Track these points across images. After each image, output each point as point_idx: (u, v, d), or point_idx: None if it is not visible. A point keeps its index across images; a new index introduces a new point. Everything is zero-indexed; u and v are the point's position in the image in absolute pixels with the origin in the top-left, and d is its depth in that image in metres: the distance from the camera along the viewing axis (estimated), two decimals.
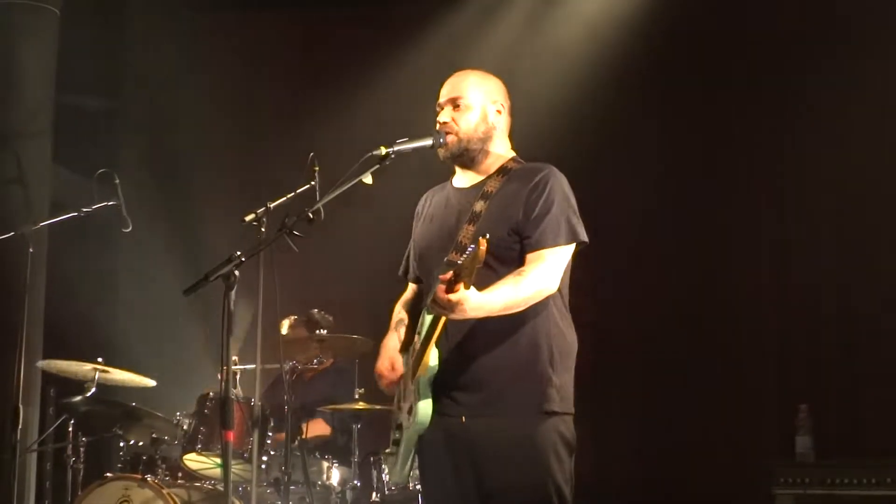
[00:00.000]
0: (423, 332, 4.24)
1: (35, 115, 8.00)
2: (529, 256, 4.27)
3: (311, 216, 4.23)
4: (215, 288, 4.15)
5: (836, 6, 7.84)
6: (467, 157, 4.45)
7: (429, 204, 4.64)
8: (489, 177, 4.45)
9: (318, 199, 4.31)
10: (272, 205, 4.37)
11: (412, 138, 4.40)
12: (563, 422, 4.29)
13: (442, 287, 3.99)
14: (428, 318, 4.23)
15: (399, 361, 4.46)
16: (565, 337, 4.36)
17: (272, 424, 6.67)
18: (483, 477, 4.25)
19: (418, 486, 6.23)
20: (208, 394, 6.69)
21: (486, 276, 4.07)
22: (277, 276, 4.50)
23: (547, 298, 4.27)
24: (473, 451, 4.26)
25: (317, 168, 4.52)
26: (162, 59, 9.23)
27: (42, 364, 7.13)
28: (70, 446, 6.77)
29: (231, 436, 4.18)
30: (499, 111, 4.52)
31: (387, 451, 5.69)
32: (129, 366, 6.96)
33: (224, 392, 4.15)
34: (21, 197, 7.72)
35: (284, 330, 7.46)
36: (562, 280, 4.34)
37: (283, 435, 6.50)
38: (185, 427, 6.61)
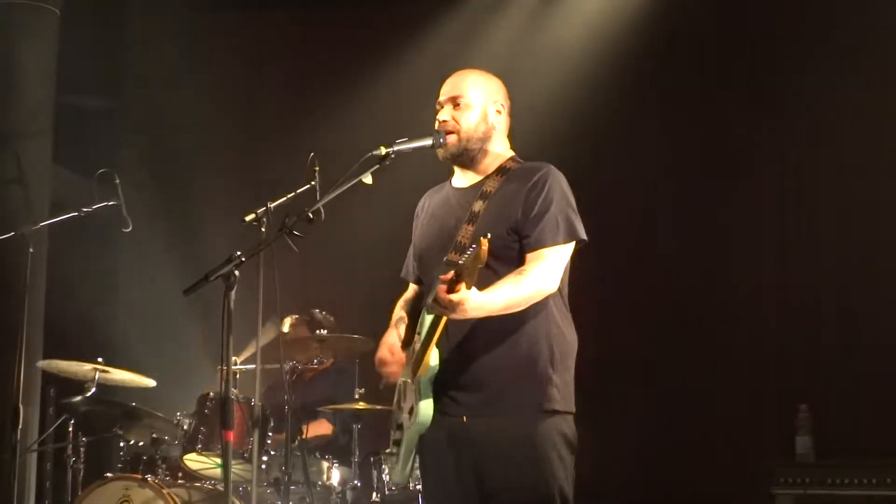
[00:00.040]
0: (424, 332, 4.24)
1: (35, 115, 8.00)
2: (529, 256, 4.27)
3: (312, 216, 4.23)
4: (216, 288, 4.15)
5: (836, 6, 7.84)
6: (467, 156, 4.45)
7: (428, 204, 4.64)
8: (488, 176, 4.45)
9: (318, 199, 4.32)
10: (272, 205, 4.37)
11: (412, 138, 4.40)
12: (565, 421, 4.30)
13: (443, 287, 3.99)
14: (428, 318, 4.23)
15: (398, 349, 4.46)
16: (565, 336, 4.36)
17: (272, 424, 6.67)
18: (484, 477, 4.25)
19: (419, 486, 6.23)
20: (208, 394, 6.69)
21: (486, 275, 4.07)
22: (278, 276, 4.51)
23: (547, 297, 4.27)
24: (474, 450, 4.26)
25: (317, 168, 4.52)
26: (162, 59, 9.22)
27: (42, 364, 7.13)
28: (70, 446, 6.77)
29: (231, 436, 4.17)
30: (499, 111, 4.52)
31: (387, 451, 5.70)
32: (130, 366, 6.96)
33: (224, 392, 4.15)
34: (21, 197, 7.72)
35: (286, 329, 7.45)
36: (562, 279, 4.34)
37: (283, 435, 6.50)
38: (185, 427, 6.60)
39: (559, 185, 4.37)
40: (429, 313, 4.23)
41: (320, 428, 7.39)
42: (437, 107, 4.51)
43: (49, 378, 7.56)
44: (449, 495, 4.36)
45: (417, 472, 4.63)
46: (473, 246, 3.89)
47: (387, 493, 6.66)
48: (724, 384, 7.93)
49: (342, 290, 8.55)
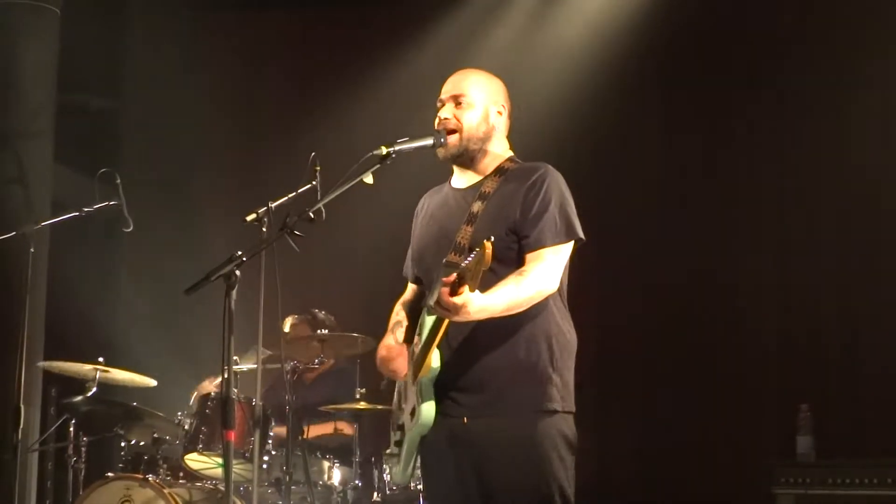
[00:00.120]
0: (425, 334, 4.24)
1: (36, 115, 7.99)
2: (529, 256, 4.26)
3: (312, 216, 4.23)
4: (217, 288, 4.15)
5: (836, 6, 7.85)
6: (467, 156, 4.45)
7: (428, 204, 4.63)
8: (487, 177, 4.44)
9: (319, 198, 4.32)
10: (273, 204, 4.37)
11: (413, 138, 4.39)
12: (565, 421, 4.29)
13: (445, 290, 3.98)
14: (429, 320, 4.22)
15: (398, 347, 4.46)
16: (565, 335, 4.36)
17: (273, 424, 6.68)
18: (485, 477, 4.25)
19: (420, 486, 6.24)
20: (209, 393, 6.70)
21: (485, 276, 4.05)
22: (279, 276, 4.51)
23: (547, 297, 4.27)
24: (475, 451, 4.25)
25: (318, 168, 4.52)
26: (162, 59, 9.22)
27: (43, 364, 7.13)
28: (71, 446, 6.77)
29: (232, 435, 4.17)
30: (499, 112, 4.52)
31: (387, 451, 5.70)
32: (131, 365, 6.97)
33: (225, 392, 4.15)
34: (22, 197, 7.72)
35: (286, 328, 7.45)
36: (561, 279, 4.34)
37: (284, 430, 6.50)
38: (186, 427, 6.61)
39: (557, 184, 4.37)
40: (430, 315, 4.23)
41: (340, 427, 7.32)
42: (438, 104, 4.51)
43: (50, 378, 7.56)
44: (450, 496, 4.36)
45: (418, 472, 4.64)
46: (477, 249, 3.89)
47: (388, 492, 6.67)
48: (724, 384, 7.93)
49: (342, 289, 8.55)
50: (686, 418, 7.91)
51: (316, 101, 8.88)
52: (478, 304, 4.03)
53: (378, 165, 4.28)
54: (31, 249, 6.66)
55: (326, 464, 6.85)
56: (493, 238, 3.90)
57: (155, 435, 6.75)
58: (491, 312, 4.10)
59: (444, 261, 4.29)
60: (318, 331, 7.21)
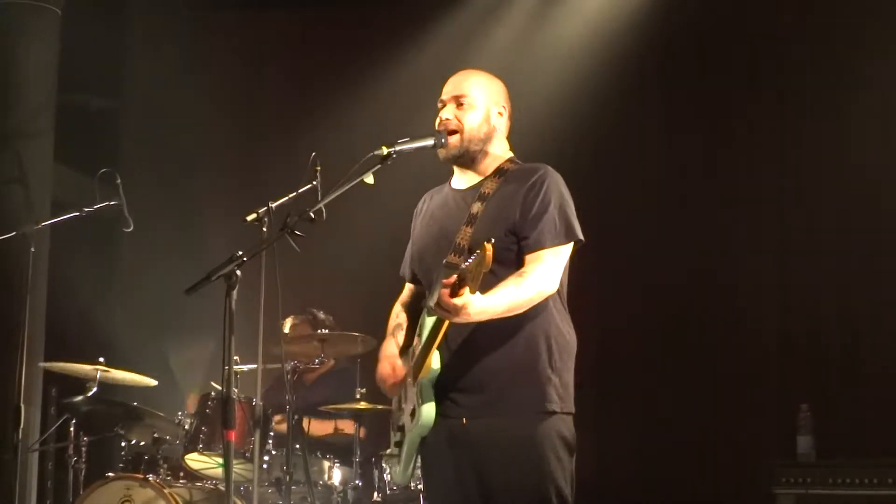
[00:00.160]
0: (425, 335, 4.24)
1: (36, 115, 7.99)
2: (528, 257, 4.27)
3: (313, 216, 4.23)
4: (218, 287, 4.15)
5: (836, 6, 7.85)
6: (467, 157, 4.45)
7: (428, 205, 4.63)
8: (486, 178, 4.45)
9: (319, 198, 4.32)
10: (274, 204, 4.36)
11: (414, 138, 4.39)
12: (564, 422, 4.29)
13: (446, 291, 3.99)
14: (429, 321, 4.23)
15: (399, 364, 4.46)
16: (565, 336, 4.36)
17: (273, 418, 6.68)
18: (484, 478, 4.25)
19: (420, 486, 6.24)
20: (209, 393, 6.70)
21: (485, 277, 4.04)
22: (279, 276, 4.51)
23: (546, 298, 4.27)
24: (474, 452, 4.26)
25: (318, 168, 4.51)
26: (162, 59, 9.22)
27: (44, 364, 7.12)
28: (72, 446, 6.76)
29: (233, 435, 4.17)
30: (500, 113, 4.52)
31: (387, 452, 5.70)
32: (131, 365, 6.97)
33: (226, 392, 4.15)
34: (22, 197, 7.71)
35: (286, 329, 7.45)
36: (561, 280, 4.34)
37: (284, 424, 6.50)
38: (186, 427, 6.61)
39: (557, 186, 4.37)
40: (430, 316, 4.23)
41: (341, 427, 7.31)
42: (439, 104, 4.51)
43: (50, 378, 7.55)
44: (449, 496, 4.36)
45: (419, 471, 4.64)
46: (477, 251, 3.89)
47: (388, 492, 6.66)
48: (724, 384, 7.93)
49: (343, 289, 8.55)
50: (686, 418, 7.91)
51: (316, 101, 8.88)
52: (478, 306, 4.03)
53: (379, 166, 4.27)
54: (32, 249, 6.66)
55: (327, 464, 6.85)
56: (493, 240, 3.90)
57: (155, 435, 6.75)
58: (491, 314, 4.11)
59: (444, 262, 4.29)
60: (319, 330, 7.21)
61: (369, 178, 4.28)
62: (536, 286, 4.21)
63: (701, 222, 8.08)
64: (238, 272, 4.09)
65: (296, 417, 6.61)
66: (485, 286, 4.07)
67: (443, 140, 4.41)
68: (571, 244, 4.34)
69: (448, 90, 4.50)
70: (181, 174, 9.27)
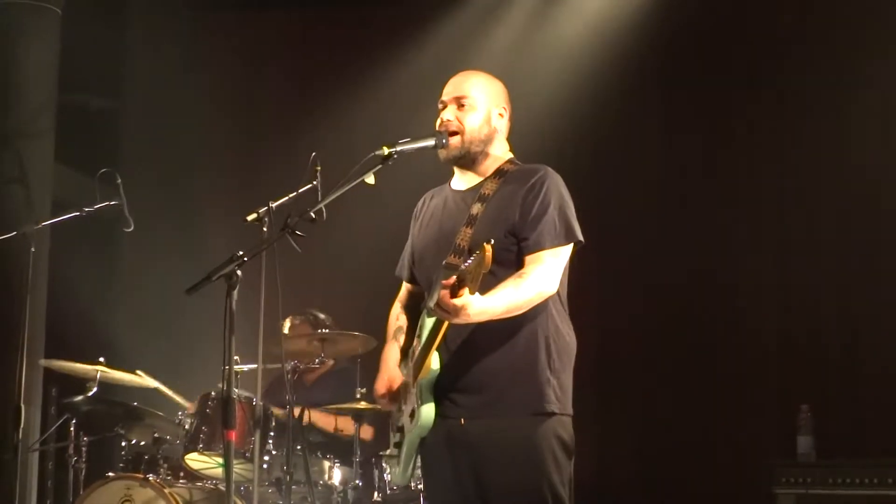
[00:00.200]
0: (425, 336, 4.25)
1: (37, 115, 7.99)
2: (528, 258, 4.27)
3: (314, 216, 4.23)
4: (218, 287, 4.15)
5: (836, 6, 7.85)
6: (468, 158, 4.45)
7: (427, 205, 4.64)
8: (486, 179, 4.45)
9: (319, 198, 4.32)
10: (274, 204, 4.37)
11: (415, 138, 4.39)
12: (561, 423, 4.30)
13: (446, 292, 3.99)
14: (429, 322, 4.23)
15: (396, 380, 4.46)
16: (564, 338, 4.37)
17: (273, 424, 6.68)
18: (482, 479, 4.26)
19: (420, 486, 6.24)
20: (210, 393, 6.69)
21: (484, 278, 4.05)
22: (279, 276, 4.51)
23: (546, 300, 4.27)
24: (473, 452, 4.26)
25: (318, 167, 4.51)
26: (162, 59, 9.22)
27: (44, 362, 7.12)
28: (72, 446, 6.77)
29: (233, 435, 4.17)
30: (501, 115, 4.52)
31: (386, 452, 5.70)
32: (132, 365, 6.97)
33: (226, 391, 4.16)
34: (23, 197, 7.72)
35: (286, 330, 7.45)
36: (561, 281, 4.34)
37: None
38: (186, 427, 6.60)
39: (556, 187, 4.37)
40: (429, 317, 4.23)
41: (341, 426, 7.31)
42: (440, 106, 4.51)
43: (50, 377, 7.56)
44: (448, 497, 4.37)
45: (419, 471, 4.64)
46: (477, 252, 3.89)
47: (388, 492, 6.66)
48: (724, 384, 7.93)
49: (343, 289, 8.55)
50: (686, 418, 7.91)
51: (316, 101, 8.88)
52: (477, 307, 4.03)
53: (380, 166, 4.27)
54: (32, 249, 6.66)
55: (327, 463, 6.85)
56: (492, 241, 3.90)
57: (155, 435, 6.75)
58: (490, 314, 4.11)
59: (443, 263, 4.29)
60: (319, 330, 7.21)
61: (370, 179, 4.28)
62: (536, 287, 4.21)
63: (701, 222, 8.08)
64: (239, 272, 4.09)
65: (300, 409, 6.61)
66: (484, 287, 4.08)
67: (444, 140, 4.41)
68: (571, 245, 4.35)
69: (448, 91, 4.50)
70: (181, 174, 9.26)
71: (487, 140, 4.46)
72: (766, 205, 8.07)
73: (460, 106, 4.45)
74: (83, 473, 6.77)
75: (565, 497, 4.26)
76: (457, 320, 4.04)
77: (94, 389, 6.65)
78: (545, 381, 4.26)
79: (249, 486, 6.59)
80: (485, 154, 4.46)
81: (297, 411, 6.70)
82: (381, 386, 4.48)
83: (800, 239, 7.91)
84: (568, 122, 8.16)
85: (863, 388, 7.60)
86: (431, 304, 4.12)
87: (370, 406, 6.69)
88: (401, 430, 4.46)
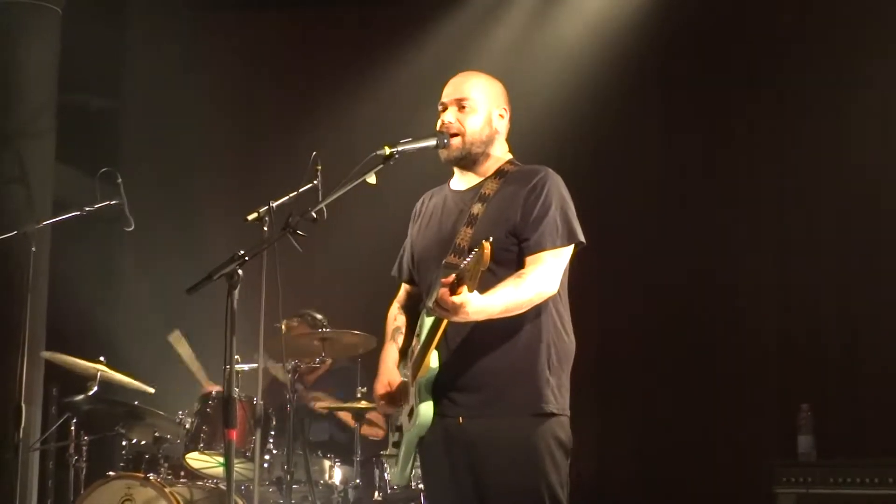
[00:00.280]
0: (424, 335, 4.25)
1: (37, 115, 7.99)
2: (529, 259, 4.27)
3: (315, 216, 4.23)
4: (219, 287, 4.15)
5: (836, 6, 7.86)
6: (469, 159, 4.45)
7: (426, 206, 4.63)
8: (487, 179, 4.45)
9: (320, 198, 4.32)
10: (275, 203, 4.36)
11: (416, 138, 4.39)
12: (559, 423, 4.29)
13: (445, 290, 3.99)
14: (428, 321, 4.23)
15: (396, 381, 4.46)
16: (563, 339, 4.36)
17: (274, 424, 6.68)
18: (480, 478, 4.26)
19: (421, 486, 6.25)
20: (211, 392, 6.70)
21: (485, 278, 4.04)
22: (280, 275, 4.51)
23: (547, 300, 4.28)
24: (471, 451, 4.26)
25: (319, 167, 4.51)
26: (162, 59, 9.22)
27: (46, 355, 7.12)
28: (72, 445, 6.77)
29: (234, 434, 4.17)
30: (501, 116, 4.52)
31: (385, 452, 5.70)
32: (132, 364, 6.97)
33: (227, 391, 4.16)
34: (23, 196, 7.72)
35: (284, 331, 7.44)
36: (561, 282, 4.34)
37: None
38: (187, 426, 6.61)
39: (557, 188, 4.37)
40: (429, 316, 4.23)
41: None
42: (440, 107, 4.50)
43: (51, 377, 7.57)
44: (446, 495, 4.38)
45: (418, 470, 4.63)
46: (476, 250, 3.89)
47: (388, 492, 6.67)
48: (724, 384, 7.93)
49: (343, 289, 8.55)
50: (686, 418, 7.91)
51: (316, 101, 8.88)
52: (476, 305, 4.03)
53: (381, 166, 4.27)
54: (33, 249, 6.66)
55: (327, 463, 6.85)
56: (491, 238, 3.90)
57: (156, 434, 6.76)
58: (489, 313, 4.10)
59: (443, 262, 4.29)
60: (320, 329, 7.21)
61: (371, 178, 4.27)
62: (536, 287, 4.21)
63: (701, 222, 8.08)
64: (240, 271, 4.08)
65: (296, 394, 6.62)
66: (485, 287, 4.08)
67: (445, 140, 4.41)
68: (572, 246, 4.35)
69: (449, 93, 4.49)
70: (181, 174, 9.27)
71: (488, 141, 4.46)
72: (766, 205, 8.07)
73: (461, 108, 4.44)
74: (84, 473, 6.77)
75: (563, 497, 4.26)
76: (456, 318, 4.04)
77: (95, 389, 6.65)
78: (544, 381, 4.26)
79: (250, 485, 6.60)
80: (486, 155, 4.46)
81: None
82: (380, 388, 4.48)
83: (800, 239, 7.92)
84: (568, 122, 8.16)
85: (863, 388, 7.60)
86: (430, 302, 4.12)
87: (371, 405, 6.69)
88: (399, 429, 4.46)
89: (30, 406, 6.98)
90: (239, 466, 6.43)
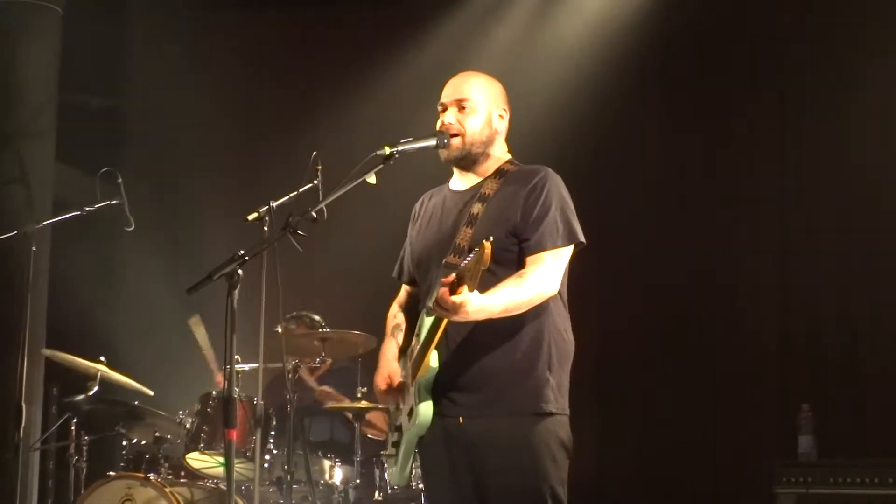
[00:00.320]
0: (423, 335, 4.24)
1: (38, 115, 7.99)
2: (529, 259, 4.27)
3: (315, 216, 4.23)
4: (219, 287, 4.15)
5: (836, 6, 7.86)
6: (469, 159, 4.45)
7: (426, 206, 4.63)
8: (486, 179, 4.45)
9: (320, 198, 4.32)
10: (275, 203, 4.36)
11: (416, 138, 4.39)
12: (560, 423, 4.30)
13: (445, 290, 3.98)
14: (427, 321, 4.23)
15: (396, 374, 4.46)
16: (563, 339, 4.37)
17: (274, 424, 6.68)
18: (480, 478, 4.26)
19: (421, 486, 6.25)
20: (211, 392, 6.70)
21: (485, 278, 4.04)
22: (280, 275, 4.52)
23: (547, 300, 4.28)
24: (471, 451, 4.26)
25: (319, 167, 4.51)
26: (163, 59, 9.22)
27: (47, 353, 7.12)
28: (73, 445, 6.78)
29: (234, 434, 4.17)
30: (501, 116, 4.51)
31: (385, 452, 5.70)
32: (132, 364, 6.97)
33: (227, 391, 4.16)
34: (24, 196, 7.72)
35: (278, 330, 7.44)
36: (561, 282, 4.35)
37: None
38: (187, 426, 6.61)
39: (557, 188, 4.37)
40: (428, 315, 4.23)
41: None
42: (440, 107, 4.50)
43: (51, 376, 7.57)
44: (446, 495, 4.38)
45: (418, 470, 4.63)
46: (476, 249, 3.89)
47: (389, 492, 6.66)
48: (724, 384, 7.93)
49: (343, 289, 8.55)
50: (686, 418, 7.91)
51: (316, 101, 8.88)
52: (477, 304, 4.02)
53: (381, 165, 4.27)
54: (33, 248, 6.67)
55: (328, 463, 6.85)
56: (491, 238, 3.90)
57: (156, 434, 6.76)
58: (489, 312, 4.10)
59: (443, 262, 4.29)
60: (319, 329, 7.21)
61: (371, 178, 4.27)
62: (536, 287, 4.21)
63: (701, 222, 8.08)
64: (240, 271, 4.08)
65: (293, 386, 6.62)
66: (485, 287, 4.08)
67: (445, 140, 4.41)
68: (572, 246, 4.35)
69: (448, 93, 4.49)
70: (181, 174, 9.27)
71: (488, 142, 4.46)
72: (766, 205, 8.07)
73: (461, 108, 4.44)
74: (84, 473, 6.78)
75: (563, 496, 4.26)
76: (456, 318, 4.04)
77: (95, 389, 6.65)
78: (544, 381, 4.26)
79: (250, 485, 6.59)
80: (485, 155, 4.46)
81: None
82: (381, 381, 4.48)
83: (800, 239, 7.92)
84: (568, 122, 8.16)
85: (863, 388, 7.60)
86: (430, 302, 4.12)
87: (371, 405, 6.69)
88: (399, 429, 4.46)
89: (30, 406, 6.99)
90: (239, 466, 6.43)
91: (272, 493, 6.67)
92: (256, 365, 4.98)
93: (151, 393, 6.95)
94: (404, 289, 4.69)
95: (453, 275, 3.96)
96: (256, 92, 9.31)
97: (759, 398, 7.86)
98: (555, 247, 4.28)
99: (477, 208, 4.35)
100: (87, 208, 6.59)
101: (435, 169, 4.64)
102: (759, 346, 7.92)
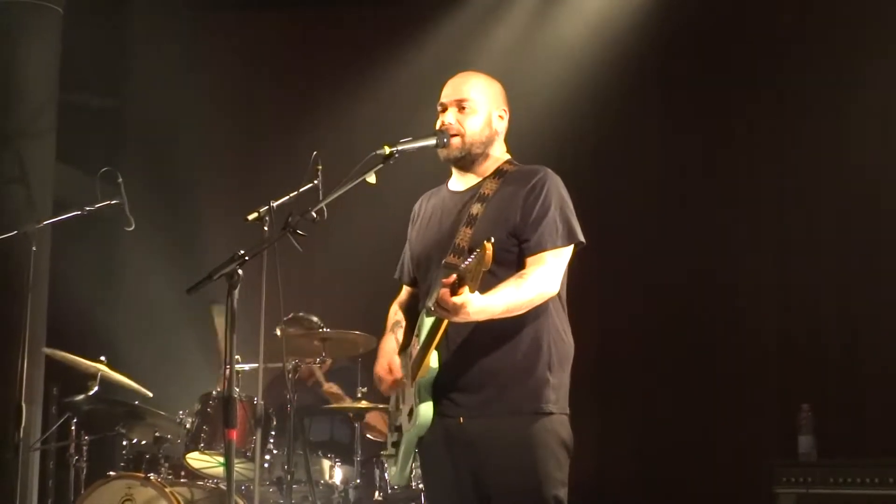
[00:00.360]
0: (424, 335, 4.24)
1: (38, 114, 7.99)
2: (530, 259, 4.27)
3: (315, 215, 4.23)
4: (219, 287, 4.16)
5: (836, 6, 7.86)
6: (469, 159, 4.45)
7: (425, 207, 4.63)
8: (485, 179, 4.45)
9: (320, 198, 4.32)
10: (275, 203, 4.37)
11: (416, 138, 4.39)
12: (560, 422, 4.30)
13: (446, 290, 3.99)
14: (428, 321, 4.22)
15: (397, 363, 4.46)
16: (563, 339, 4.37)
17: (274, 424, 6.68)
18: (481, 478, 4.26)
19: (421, 486, 6.25)
20: (211, 392, 6.70)
21: (485, 278, 4.04)
22: (280, 275, 4.52)
23: (547, 300, 4.28)
24: (471, 452, 4.26)
25: (320, 167, 4.52)
26: (163, 59, 9.22)
27: (47, 351, 7.12)
28: (73, 445, 6.77)
29: (234, 434, 4.17)
30: (500, 116, 4.52)
31: (384, 452, 5.70)
32: (132, 364, 6.97)
33: (227, 391, 4.16)
34: (24, 196, 7.72)
35: (277, 332, 7.44)
36: (561, 282, 4.35)
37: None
38: (187, 426, 6.61)
39: (557, 188, 4.37)
40: (429, 316, 4.23)
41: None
42: (439, 108, 4.50)
43: (52, 376, 7.57)
44: (447, 496, 4.38)
45: (418, 470, 4.63)
46: (478, 250, 3.89)
47: (389, 492, 6.67)
48: (724, 384, 7.93)
49: (343, 289, 8.55)
50: (686, 418, 7.91)
51: (316, 101, 8.88)
52: (477, 305, 4.03)
53: (381, 165, 4.27)
54: (33, 248, 6.67)
55: (328, 463, 6.85)
56: (493, 239, 3.90)
57: (156, 434, 6.76)
58: (490, 313, 4.11)
59: (443, 262, 4.30)
60: (319, 329, 7.21)
61: (371, 178, 4.27)
62: (537, 287, 4.21)
63: (701, 222, 8.08)
64: (240, 271, 4.08)
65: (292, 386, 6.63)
66: (485, 287, 4.08)
67: (445, 140, 4.41)
68: (572, 246, 4.35)
69: (448, 94, 4.49)
70: (181, 173, 9.27)
71: (488, 142, 4.46)
72: (766, 205, 8.07)
73: (461, 109, 4.44)
74: (84, 472, 6.77)
75: (564, 496, 4.26)
76: (456, 319, 4.04)
77: (95, 388, 6.65)
78: (544, 381, 4.27)
79: (250, 485, 6.59)
80: (485, 155, 4.47)
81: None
82: (381, 370, 4.47)
83: (800, 239, 7.91)
84: (568, 122, 8.16)
85: (863, 388, 7.59)
86: (430, 303, 4.12)
87: (371, 405, 6.69)
88: (399, 429, 4.46)
89: (30, 406, 6.98)
90: (239, 466, 6.43)
91: (272, 493, 6.67)
92: (256, 365, 4.98)
93: (151, 395, 6.95)
94: (405, 290, 4.70)
95: (454, 275, 3.96)
96: (256, 92, 9.31)
97: (759, 398, 7.86)
98: (555, 247, 4.28)
99: (476, 209, 4.35)
100: (87, 208, 6.59)
101: (435, 169, 4.64)
102: (759, 346, 7.92)
